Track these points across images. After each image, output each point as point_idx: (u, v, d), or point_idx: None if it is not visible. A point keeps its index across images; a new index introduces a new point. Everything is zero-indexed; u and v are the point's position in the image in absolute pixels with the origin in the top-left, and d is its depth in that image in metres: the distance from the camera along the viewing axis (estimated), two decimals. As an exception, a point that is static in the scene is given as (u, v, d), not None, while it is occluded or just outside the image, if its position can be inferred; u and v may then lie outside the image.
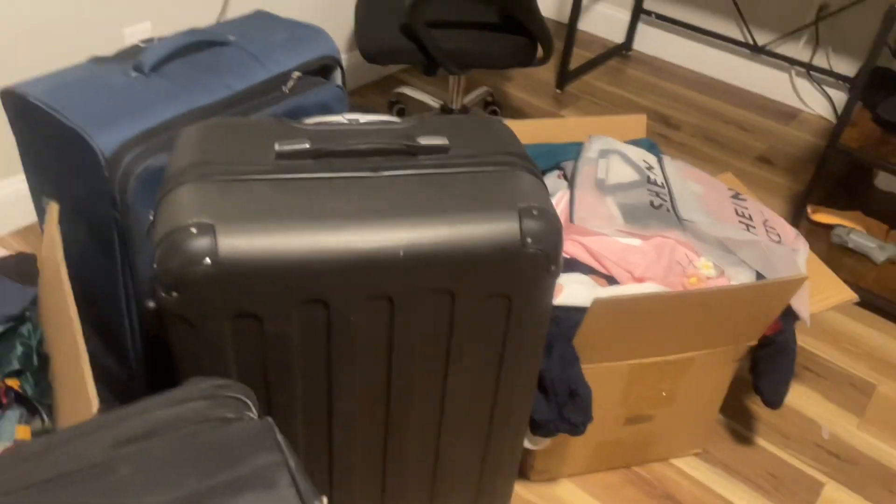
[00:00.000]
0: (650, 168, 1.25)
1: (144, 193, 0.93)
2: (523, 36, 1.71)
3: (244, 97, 1.05)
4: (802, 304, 1.17)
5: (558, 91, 2.43)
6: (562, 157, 1.30)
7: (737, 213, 1.22)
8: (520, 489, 1.27)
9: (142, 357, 1.09)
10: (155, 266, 0.73)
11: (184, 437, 0.56)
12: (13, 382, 0.92)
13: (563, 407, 1.07)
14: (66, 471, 0.52)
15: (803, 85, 2.44)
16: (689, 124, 2.35)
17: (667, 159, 1.31)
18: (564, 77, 2.42)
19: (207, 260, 0.71)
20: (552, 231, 0.80)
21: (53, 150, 0.98)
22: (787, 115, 2.44)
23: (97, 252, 1.02)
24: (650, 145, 1.34)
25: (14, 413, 0.92)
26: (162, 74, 1.03)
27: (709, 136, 2.31)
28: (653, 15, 2.60)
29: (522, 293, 0.83)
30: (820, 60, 2.36)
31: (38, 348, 0.96)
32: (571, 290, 1.08)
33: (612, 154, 1.24)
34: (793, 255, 1.20)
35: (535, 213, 0.79)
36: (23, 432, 0.92)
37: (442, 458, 0.97)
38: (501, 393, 0.92)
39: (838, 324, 1.68)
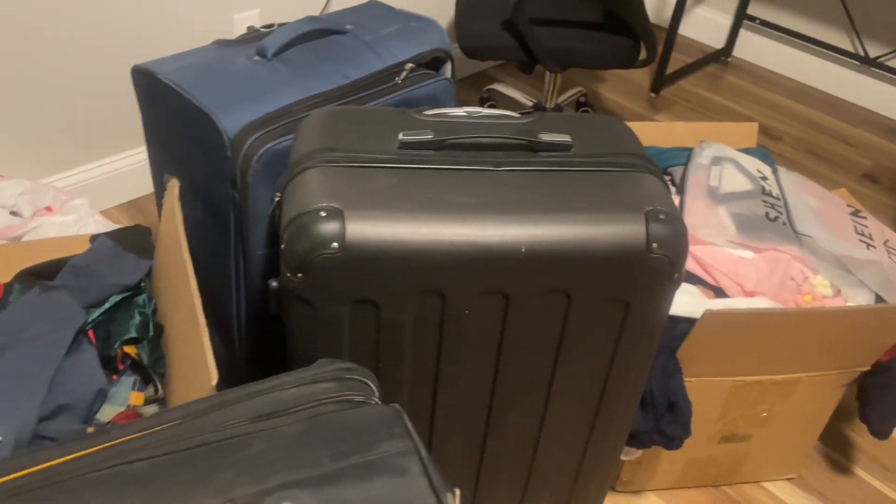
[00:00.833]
0: (764, 178, 1.21)
1: (265, 175, 0.95)
2: (626, 36, 1.68)
3: (359, 87, 1.06)
4: (923, 331, 1.10)
5: (653, 95, 2.38)
6: (669, 162, 1.27)
7: (856, 231, 1.16)
8: (604, 498, 1.25)
9: (244, 337, 1.12)
10: (282, 247, 0.74)
11: (316, 417, 0.57)
12: (130, 349, 0.95)
13: (661, 419, 1.04)
14: (209, 441, 0.54)
15: (916, 101, 2.32)
16: (791, 136, 2.25)
17: (782, 170, 1.26)
18: (660, 81, 2.37)
19: (335, 244, 0.72)
20: (679, 237, 0.77)
21: (178, 128, 1.02)
22: (896, 131, 2.32)
23: (212, 230, 1.04)
24: (763, 155, 1.29)
25: (129, 379, 0.96)
26: (283, 60, 1.05)
27: (811, 149, 2.21)
28: (757, 21, 2.51)
29: (642, 300, 0.80)
30: (937, 76, 2.23)
31: (152, 318, 0.99)
32: (678, 300, 1.05)
33: (725, 161, 1.20)
34: (915, 278, 1.13)
35: (662, 216, 0.77)
36: (135, 398, 0.95)
37: (538, 460, 0.96)
38: (606, 401, 0.90)
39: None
